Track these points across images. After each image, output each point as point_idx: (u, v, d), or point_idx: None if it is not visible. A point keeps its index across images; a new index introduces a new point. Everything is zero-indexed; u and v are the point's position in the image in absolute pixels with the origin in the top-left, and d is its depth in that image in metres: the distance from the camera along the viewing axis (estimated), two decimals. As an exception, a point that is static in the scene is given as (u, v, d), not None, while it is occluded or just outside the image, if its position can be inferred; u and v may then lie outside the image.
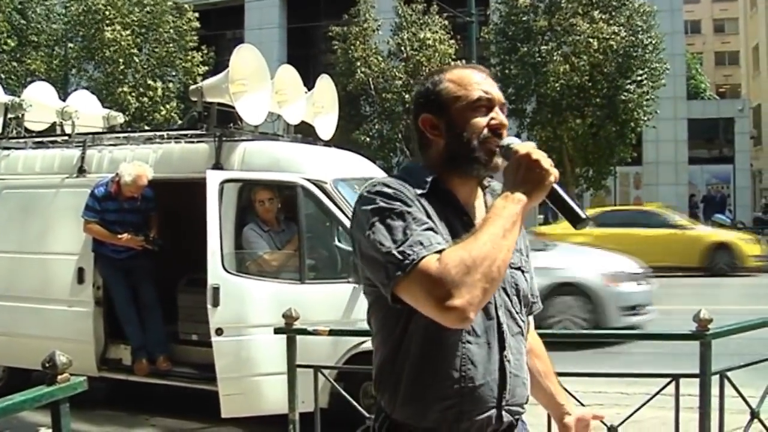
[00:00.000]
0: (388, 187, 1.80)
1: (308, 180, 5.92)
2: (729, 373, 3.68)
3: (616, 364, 7.01)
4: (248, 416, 5.76)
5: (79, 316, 6.47)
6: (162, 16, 22.11)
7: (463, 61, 19.77)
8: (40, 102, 7.65)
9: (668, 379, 3.65)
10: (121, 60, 21.07)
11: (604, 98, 19.93)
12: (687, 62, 32.41)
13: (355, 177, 6.35)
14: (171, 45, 22.23)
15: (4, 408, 2.14)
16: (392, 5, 21.94)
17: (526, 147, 1.77)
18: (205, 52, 22.86)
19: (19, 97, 7.64)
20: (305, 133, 7.39)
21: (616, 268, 9.74)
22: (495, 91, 1.90)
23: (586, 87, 19.75)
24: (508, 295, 1.90)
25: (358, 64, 20.97)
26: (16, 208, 6.91)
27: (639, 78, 20.01)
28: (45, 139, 7.43)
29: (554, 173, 1.75)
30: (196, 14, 23.00)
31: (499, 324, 1.86)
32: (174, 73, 22.67)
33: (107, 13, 21.18)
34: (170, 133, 6.99)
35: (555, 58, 19.57)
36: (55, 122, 7.79)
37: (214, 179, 5.84)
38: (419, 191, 1.82)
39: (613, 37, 19.33)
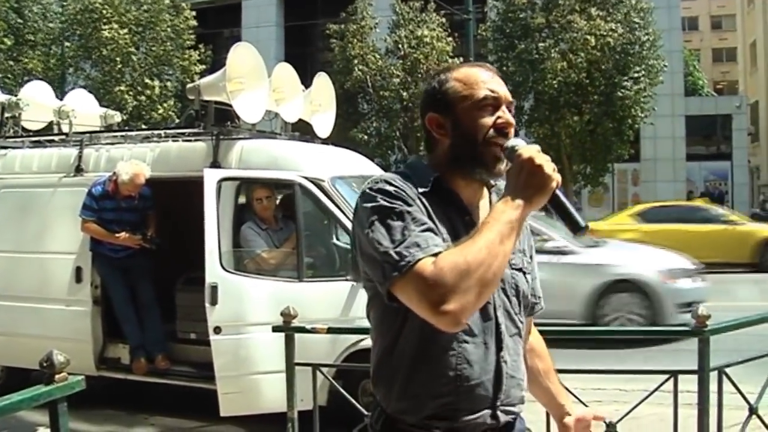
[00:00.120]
0: (390, 184, 1.79)
1: (306, 178, 5.91)
2: (727, 370, 3.68)
3: (614, 361, 7.02)
4: (247, 415, 5.76)
5: (77, 315, 6.46)
6: (159, 14, 22.07)
7: (461, 59, 19.79)
8: (37, 101, 7.64)
9: (667, 376, 3.65)
10: (118, 59, 21.04)
11: (602, 95, 19.93)
12: (684, 59, 32.41)
13: (353, 175, 6.34)
14: (168, 43, 22.18)
15: (2, 407, 2.14)
16: (389, 3, 21.92)
17: (529, 151, 1.75)
18: (203, 50, 22.83)
19: (16, 96, 7.63)
20: (303, 131, 7.39)
21: (672, 264, 9.68)
22: (502, 90, 1.89)
23: (584, 84, 19.74)
24: (507, 296, 1.90)
25: (356, 61, 20.96)
26: (13, 207, 6.90)
27: (636, 75, 20.01)
28: (42, 138, 7.41)
29: (556, 179, 1.73)
30: (193, 12, 22.95)
31: (497, 324, 1.86)
32: (171, 72, 22.64)
33: (104, 11, 21.14)
34: (168, 131, 6.98)
35: (552, 55, 19.56)
36: (52, 121, 7.77)
37: (211, 178, 5.84)
38: (421, 189, 1.82)
39: (610, 34, 19.32)
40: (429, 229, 1.73)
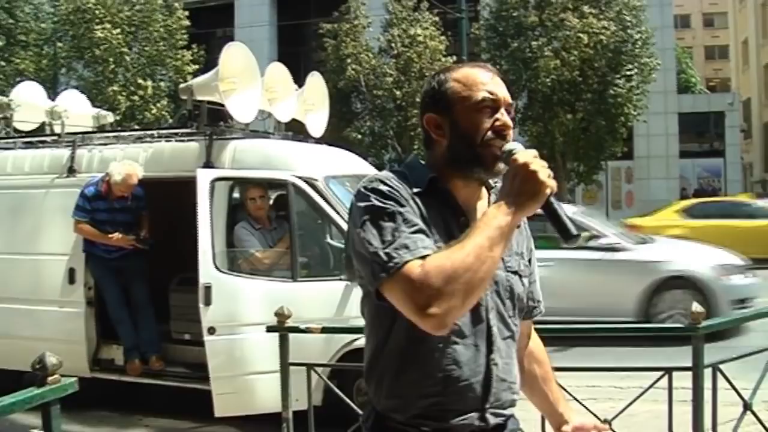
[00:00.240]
0: (384, 184, 1.79)
1: (299, 177, 5.90)
2: (722, 366, 3.68)
3: (609, 358, 7.03)
4: (241, 415, 5.75)
5: (70, 316, 6.44)
6: (152, 14, 22.04)
7: (454, 57, 19.81)
8: (29, 102, 7.62)
9: (661, 373, 3.65)
10: (110, 59, 21.00)
11: (595, 93, 19.97)
12: (677, 56, 32.50)
13: (347, 174, 6.34)
14: (161, 43, 22.15)
15: (-6, 410, 2.13)
16: (382, 2, 21.93)
17: (525, 156, 1.73)
18: (196, 50, 22.79)
19: (7, 97, 7.60)
20: (296, 130, 7.38)
21: (724, 260, 9.65)
22: (501, 92, 1.88)
23: (577, 82, 19.78)
24: (501, 299, 1.88)
25: (349, 61, 20.95)
26: (5, 208, 6.86)
27: (629, 73, 20.05)
28: (34, 139, 7.39)
29: (551, 185, 1.71)
30: (186, 12, 22.93)
31: (489, 327, 1.85)
32: (164, 72, 22.60)
33: (97, 12, 21.09)
34: (160, 131, 6.97)
35: (545, 53, 19.59)
36: (44, 122, 7.76)
37: (204, 178, 5.83)
38: (416, 189, 1.81)
39: (603, 32, 19.36)
40: (420, 231, 1.73)
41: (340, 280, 5.64)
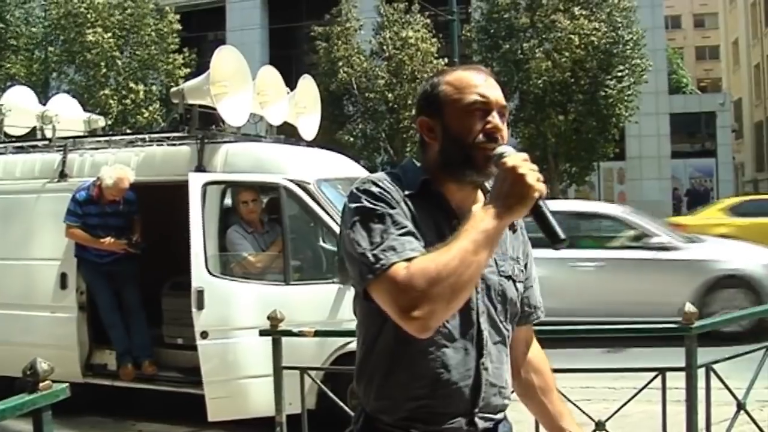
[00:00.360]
0: (376, 185, 1.79)
1: (291, 181, 5.90)
2: (715, 366, 3.69)
3: (603, 359, 7.04)
4: (235, 419, 5.73)
5: (62, 321, 6.41)
6: (143, 18, 22.01)
7: (446, 60, 19.82)
8: (19, 106, 7.60)
9: (655, 373, 3.65)
10: (102, 63, 20.95)
11: (586, 94, 20.00)
12: (668, 57, 32.58)
13: (339, 177, 6.34)
14: (152, 47, 22.11)
15: (-16, 417, 2.11)
16: (374, 4, 21.92)
17: (514, 159, 1.71)
18: (187, 54, 22.75)
19: (-2, 101, 7.58)
20: (288, 133, 7.37)
21: None
22: (493, 94, 1.86)
23: (568, 83, 19.80)
24: (493, 303, 1.87)
25: (341, 63, 20.93)
26: (-4, 213, 6.84)
27: (620, 74, 20.10)
28: (25, 144, 7.37)
29: (539, 189, 1.69)
30: (178, 16, 22.90)
31: (480, 331, 1.84)
32: (156, 76, 22.56)
33: (88, 16, 21.04)
34: (152, 135, 6.94)
35: (537, 55, 19.61)
36: (35, 126, 7.73)
37: (196, 181, 5.82)
38: (408, 192, 1.81)
39: (594, 33, 19.40)
40: (409, 233, 1.72)
41: (333, 283, 5.63)
